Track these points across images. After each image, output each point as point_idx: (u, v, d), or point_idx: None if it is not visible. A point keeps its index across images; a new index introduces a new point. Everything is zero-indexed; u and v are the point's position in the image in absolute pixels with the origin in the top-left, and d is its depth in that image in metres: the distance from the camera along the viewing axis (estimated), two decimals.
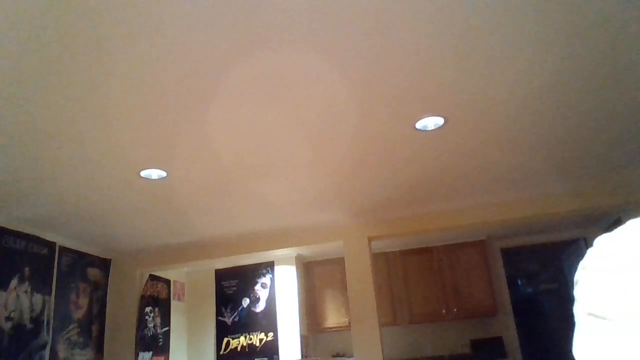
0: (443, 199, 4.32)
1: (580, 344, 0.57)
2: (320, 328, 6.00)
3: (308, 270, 6.21)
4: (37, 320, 3.99)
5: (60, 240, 4.39)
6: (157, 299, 5.50)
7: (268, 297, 5.85)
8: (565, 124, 3.00)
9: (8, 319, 3.70)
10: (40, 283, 4.07)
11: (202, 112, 2.49)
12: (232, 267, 6.03)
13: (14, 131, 2.51)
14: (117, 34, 1.86)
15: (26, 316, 3.88)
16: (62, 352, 4.25)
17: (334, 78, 2.30)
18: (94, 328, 4.74)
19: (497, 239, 6.18)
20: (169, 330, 5.65)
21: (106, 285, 5.03)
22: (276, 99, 2.44)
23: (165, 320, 5.62)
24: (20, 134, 2.54)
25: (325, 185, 3.74)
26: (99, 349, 4.79)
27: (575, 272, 0.61)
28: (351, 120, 2.73)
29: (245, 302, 5.92)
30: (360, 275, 4.69)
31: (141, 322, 5.08)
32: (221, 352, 5.84)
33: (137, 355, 4.91)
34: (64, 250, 4.44)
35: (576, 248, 6.35)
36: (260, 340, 5.73)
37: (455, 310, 5.76)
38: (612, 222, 5.44)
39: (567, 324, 6.58)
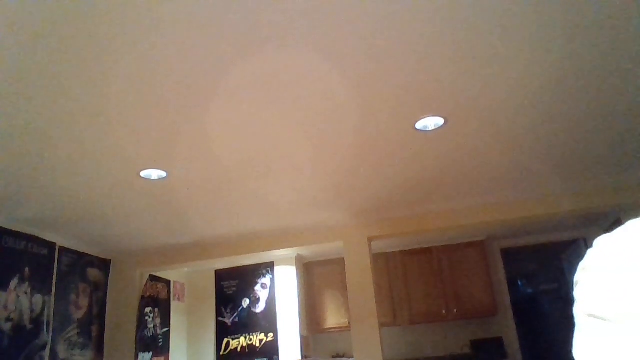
0: (443, 199, 4.32)
1: (580, 345, 0.57)
2: (320, 328, 6.00)
3: (308, 271, 6.21)
4: (37, 321, 3.98)
5: (60, 240, 4.39)
6: (157, 300, 5.50)
7: (268, 298, 5.85)
8: (565, 125, 3.00)
9: (8, 319, 3.70)
10: (40, 283, 4.07)
11: (202, 112, 2.49)
12: (232, 268, 6.03)
13: (14, 131, 2.51)
14: (117, 34, 1.86)
15: (26, 317, 3.88)
16: (62, 352, 4.25)
17: (334, 78, 2.30)
18: (94, 328, 4.74)
19: (497, 239, 6.18)
20: (169, 331, 5.64)
21: (106, 285, 5.03)
22: (276, 99, 2.44)
23: (165, 321, 5.62)
24: (20, 134, 2.54)
25: (325, 185, 3.74)
26: (99, 349, 4.78)
27: (575, 272, 0.61)
28: (351, 120, 2.73)
29: (245, 302, 5.92)
30: (360, 276, 4.69)
31: (141, 323, 5.08)
32: (221, 353, 5.83)
33: (137, 355, 4.91)
34: (64, 250, 4.44)
35: (576, 248, 6.35)
36: (260, 340, 5.73)
37: (455, 310, 5.75)
38: (612, 222, 5.44)
39: (567, 324, 6.58)
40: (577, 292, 0.59)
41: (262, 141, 2.89)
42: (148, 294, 5.30)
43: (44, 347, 4.03)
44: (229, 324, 5.91)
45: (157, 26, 1.84)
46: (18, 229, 3.91)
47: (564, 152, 3.44)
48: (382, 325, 5.29)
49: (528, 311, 8.09)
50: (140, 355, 4.99)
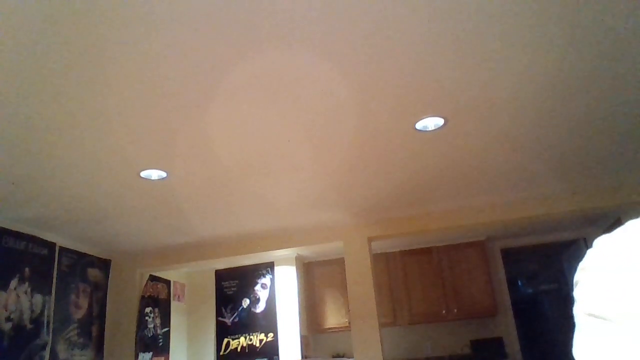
0: (443, 199, 4.32)
1: (580, 345, 0.57)
2: (321, 328, 6.00)
3: (308, 271, 6.21)
4: (37, 321, 3.98)
5: (60, 240, 4.39)
6: (157, 300, 5.50)
7: (268, 298, 5.85)
8: (565, 125, 3.00)
9: (8, 319, 3.70)
10: (40, 283, 4.07)
11: (202, 112, 2.49)
12: (232, 268, 6.03)
13: (14, 131, 2.51)
14: (117, 34, 1.86)
15: (26, 317, 3.88)
16: (62, 352, 4.25)
17: (334, 78, 2.30)
18: (94, 328, 4.74)
19: (497, 240, 6.17)
20: (169, 331, 5.64)
21: (106, 285, 5.03)
22: (276, 99, 2.44)
23: (165, 321, 5.62)
24: (20, 135, 2.54)
25: (325, 186, 3.74)
26: (99, 349, 4.79)
27: (575, 272, 0.61)
28: (351, 121, 2.73)
29: (245, 302, 5.92)
30: (360, 276, 4.69)
31: (141, 323, 5.08)
32: (221, 353, 5.83)
33: (137, 355, 4.91)
34: (64, 250, 4.44)
35: (576, 248, 6.35)
36: (260, 340, 5.73)
37: (455, 310, 5.75)
38: (612, 222, 5.44)
39: (567, 324, 6.58)
40: (577, 292, 0.59)
41: (262, 141, 2.89)
42: (148, 294, 5.30)
43: (44, 347, 4.03)
44: (229, 324, 5.91)
45: (157, 26, 1.84)
46: (18, 229, 3.91)
47: (564, 152, 3.44)
48: (382, 325, 5.29)
49: (528, 311, 8.10)
50: (140, 355, 4.99)
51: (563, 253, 6.88)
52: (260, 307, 5.85)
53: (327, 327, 5.97)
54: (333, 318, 5.96)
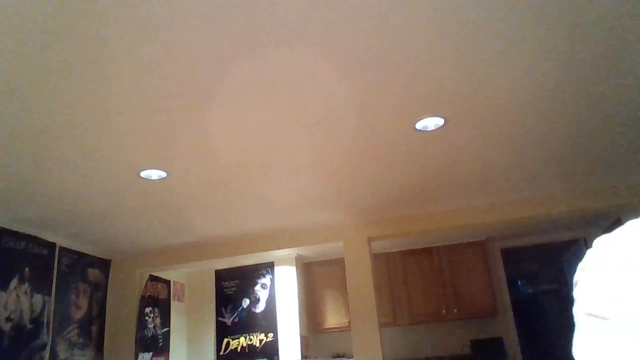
0: (443, 199, 4.32)
1: (580, 344, 0.57)
2: (320, 328, 6.00)
3: (308, 271, 6.21)
4: (37, 321, 3.98)
5: (60, 240, 4.39)
6: (157, 300, 5.50)
7: (268, 298, 5.85)
8: (565, 124, 3.00)
9: (8, 319, 3.70)
10: (40, 283, 4.07)
11: (202, 112, 2.49)
12: (232, 268, 6.03)
13: (14, 131, 2.51)
14: (117, 35, 1.86)
15: (26, 317, 3.88)
16: (62, 352, 4.25)
17: (334, 78, 2.30)
18: (93, 328, 4.74)
19: (497, 240, 6.17)
20: (169, 331, 5.64)
21: (106, 285, 5.03)
22: (276, 99, 2.44)
23: (165, 321, 5.62)
24: (20, 134, 2.54)
25: (325, 186, 3.74)
26: (99, 349, 4.79)
27: (575, 272, 0.61)
28: (351, 121, 2.73)
29: (245, 302, 5.92)
30: (360, 276, 4.69)
31: (141, 323, 5.08)
32: (221, 353, 5.83)
33: (137, 355, 4.91)
34: (64, 250, 4.44)
35: (576, 248, 6.35)
36: (260, 340, 5.73)
37: (455, 310, 5.75)
38: (612, 222, 5.44)
39: (567, 324, 6.58)
40: (577, 292, 0.59)
41: (262, 141, 2.89)
42: (148, 294, 5.30)
43: (44, 347, 4.03)
44: (229, 324, 5.91)
45: (157, 26, 1.84)
46: (18, 229, 3.91)
47: (564, 152, 3.44)
48: (382, 325, 5.29)
49: (528, 311, 8.10)
50: (140, 355, 4.99)
51: (563, 253, 6.88)
52: (260, 307, 5.85)
53: (327, 327, 5.97)
54: (333, 318, 5.96)
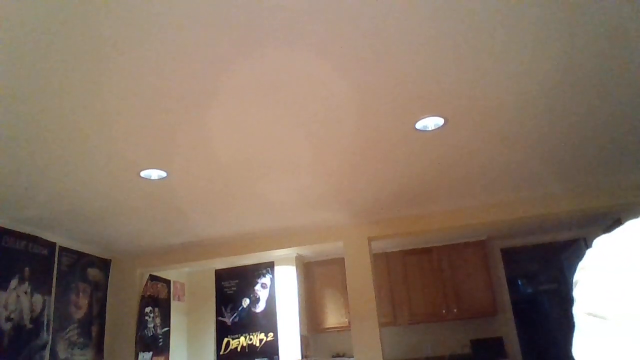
0: (443, 199, 4.32)
1: (580, 344, 0.57)
2: (320, 328, 6.00)
3: (308, 271, 6.21)
4: (37, 321, 3.99)
5: (60, 240, 4.39)
6: (157, 299, 5.50)
7: (268, 298, 5.85)
8: (566, 124, 3.00)
9: (8, 319, 3.70)
10: (40, 283, 4.07)
11: (202, 112, 2.49)
12: (232, 267, 6.03)
13: (14, 131, 2.51)
14: (118, 35, 1.86)
15: (26, 316, 3.88)
16: (62, 352, 4.25)
17: (334, 78, 2.30)
18: (93, 328, 4.74)
19: (497, 239, 6.18)
20: (169, 331, 5.65)
21: (106, 285, 5.03)
22: (276, 99, 2.44)
23: (165, 321, 5.62)
24: (20, 134, 2.54)
25: (325, 185, 3.74)
26: (99, 349, 4.79)
27: (574, 272, 0.61)
28: (351, 120, 2.73)
29: (245, 302, 5.93)
30: (360, 276, 4.69)
31: (141, 323, 5.08)
32: (221, 353, 5.84)
33: (137, 355, 4.91)
34: (64, 250, 4.44)
35: (576, 248, 6.36)
36: (260, 340, 5.73)
37: (455, 310, 5.76)
38: (612, 222, 5.44)
39: (567, 324, 6.59)
40: (577, 292, 0.59)
41: (262, 141, 2.89)
42: (148, 293, 5.31)
43: (44, 347, 4.03)
44: (229, 323, 5.91)
45: (157, 26, 1.84)
46: (18, 229, 3.91)
47: (564, 152, 3.44)
48: (382, 325, 5.29)
49: (528, 311, 8.10)
50: (140, 355, 4.99)
51: (563, 253, 6.88)
52: (260, 307, 5.85)
53: (327, 326, 5.97)
54: (333, 318, 5.96)
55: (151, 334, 5.27)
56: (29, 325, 3.90)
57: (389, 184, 3.82)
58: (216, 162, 3.13)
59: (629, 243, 0.56)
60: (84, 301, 4.64)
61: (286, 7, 1.80)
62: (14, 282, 3.80)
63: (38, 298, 4.03)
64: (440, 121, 2.82)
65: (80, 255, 4.65)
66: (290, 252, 5.45)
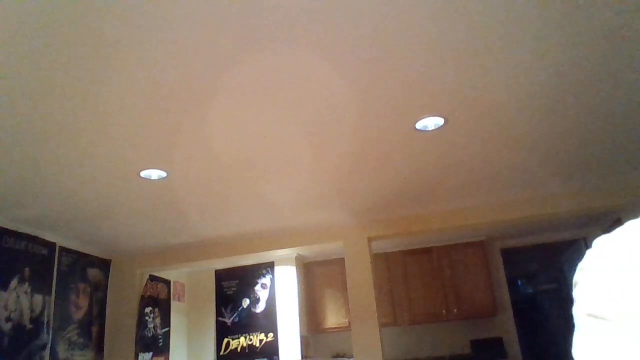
0: (443, 199, 4.32)
1: (580, 345, 0.57)
2: (320, 328, 6.00)
3: (308, 271, 6.21)
4: (37, 321, 3.99)
5: (60, 240, 4.39)
6: (157, 300, 5.50)
7: (268, 298, 5.85)
8: (565, 125, 3.00)
9: (8, 319, 3.70)
10: (40, 283, 4.07)
11: (202, 112, 2.49)
12: (232, 268, 6.03)
13: (14, 131, 2.51)
14: (117, 35, 1.86)
15: (26, 316, 3.88)
16: (62, 352, 4.25)
17: (334, 78, 2.30)
18: (93, 328, 4.74)
19: (497, 239, 6.18)
20: (169, 331, 5.65)
21: (106, 285, 5.03)
22: (276, 99, 2.44)
23: (165, 321, 5.62)
24: (20, 134, 2.54)
25: (325, 185, 3.74)
26: (99, 349, 4.79)
27: (574, 272, 0.61)
28: (351, 121, 2.73)
29: (245, 302, 5.92)
30: (360, 276, 4.69)
31: (141, 323, 5.08)
32: (221, 353, 5.84)
33: (137, 355, 4.91)
34: (64, 250, 4.44)
35: (576, 248, 6.35)
36: (260, 340, 5.73)
37: (455, 310, 5.75)
38: (612, 222, 5.44)
39: (567, 324, 6.59)
40: (577, 293, 0.59)
41: (262, 141, 2.89)
42: (148, 294, 5.30)
43: (44, 347, 4.03)
44: (229, 324, 5.91)
45: (158, 26, 1.84)
46: (18, 229, 3.91)
47: (564, 152, 3.44)
48: (382, 325, 5.29)
49: (528, 311, 8.10)
50: (140, 355, 4.99)
51: (563, 253, 6.88)
52: (260, 307, 5.85)
53: (327, 327, 5.97)
54: (333, 318, 5.96)
55: (151, 334, 5.27)
56: (29, 326, 3.90)
57: (389, 184, 3.82)
58: (216, 162, 3.13)
59: (629, 243, 0.55)
60: (84, 301, 4.64)
61: (286, 7, 1.80)
62: (14, 282, 3.80)
63: (38, 298, 4.03)
64: (440, 121, 2.82)
65: (80, 255, 4.65)
66: (290, 252, 5.45)
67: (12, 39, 1.84)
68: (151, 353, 5.21)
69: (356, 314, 4.60)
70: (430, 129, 2.90)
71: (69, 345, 4.35)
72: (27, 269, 3.95)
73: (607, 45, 2.21)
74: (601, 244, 0.59)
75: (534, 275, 8.27)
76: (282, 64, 2.15)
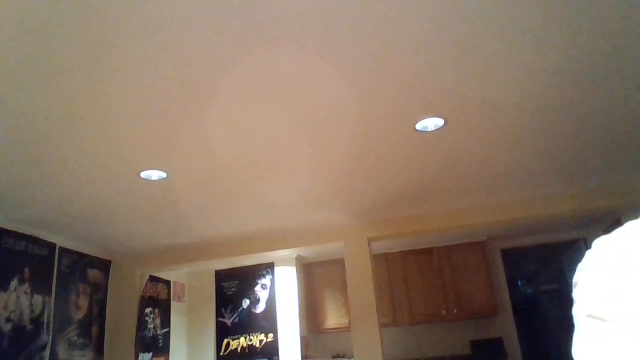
0: (443, 199, 4.32)
1: (580, 346, 0.57)
2: (320, 329, 6.00)
3: (308, 271, 6.21)
4: (37, 321, 3.98)
5: (60, 241, 4.39)
6: (157, 300, 5.50)
7: (268, 298, 5.85)
8: (565, 125, 3.00)
9: (8, 319, 3.70)
10: (40, 284, 4.07)
11: (202, 112, 2.49)
12: (232, 268, 6.03)
13: (14, 131, 2.51)
14: (117, 35, 1.86)
15: (26, 317, 3.88)
16: (62, 352, 4.25)
17: (334, 78, 2.30)
18: (93, 329, 4.74)
19: (497, 240, 6.17)
20: (169, 331, 5.64)
21: (106, 286, 5.03)
22: (276, 100, 2.44)
23: (165, 321, 5.62)
24: (20, 134, 2.54)
25: (325, 186, 3.74)
26: (99, 349, 4.78)
27: (574, 273, 0.61)
28: (351, 121, 2.73)
29: (245, 303, 5.92)
30: (360, 276, 4.69)
31: (141, 323, 5.08)
32: (221, 353, 5.83)
33: (137, 356, 4.91)
34: (64, 251, 4.44)
35: (576, 248, 6.35)
36: (260, 341, 5.73)
37: (455, 311, 5.75)
38: (612, 222, 5.44)
39: (567, 324, 6.57)
40: (576, 293, 0.59)
41: (262, 141, 2.89)
42: (148, 294, 5.30)
43: (44, 348, 4.03)
44: (229, 324, 5.91)
45: (158, 26, 1.84)
46: (18, 229, 3.91)
47: (564, 152, 3.44)
48: (382, 325, 5.29)
49: (528, 311, 8.10)
50: (140, 355, 4.99)
51: (563, 253, 6.88)
52: (260, 308, 5.85)
53: (327, 327, 5.97)
54: (333, 318, 5.96)
55: (151, 334, 5.27)
56: (29, 326, 3.90)
57: (389, 184, 3.82)
58: (216, 163, 3.13)
59: (629, 244, 0.55)
60: (84, 302, 4.64)
61: (286, 7, 1.80)
62: (14, 283, 3.80)
63: (38, 299, 4.03)
64: (440, 122, 2.82)
65: (80, 255, 4.65)
66: (290, 252, 5.45)
67: (12, 39, 1.84)
68: (151, 353, 5.21)
69: (356, 314, 4.60)
70: (430, 129, 2.90)
71: (68, 346, 4.35)
72: (27, 270, 3.95)
73: (607, 46, 2.21)
74: (601, 244, 0.59)
75: (534, 276, 8.27)
76: (282, 64, 2.15)
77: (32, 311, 3.95)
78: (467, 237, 5.87)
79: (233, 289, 6.02)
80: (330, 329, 5.96)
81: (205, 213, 4.08)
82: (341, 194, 3.94)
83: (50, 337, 4.13)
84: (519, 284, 8.46)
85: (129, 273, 5.12)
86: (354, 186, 3.79)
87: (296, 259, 5.90)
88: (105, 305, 4.96)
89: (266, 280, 5.91)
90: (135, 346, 4.90)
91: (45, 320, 4.09)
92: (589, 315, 0.56)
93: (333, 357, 6.03)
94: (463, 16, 1.93)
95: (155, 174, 3.20)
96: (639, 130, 3.17)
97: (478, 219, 4.60)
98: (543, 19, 1.98)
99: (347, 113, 2.64)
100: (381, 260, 6.05)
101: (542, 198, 4.50)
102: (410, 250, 6.06)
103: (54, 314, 4.20)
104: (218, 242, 5.01)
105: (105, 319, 4.92)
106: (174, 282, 5.93)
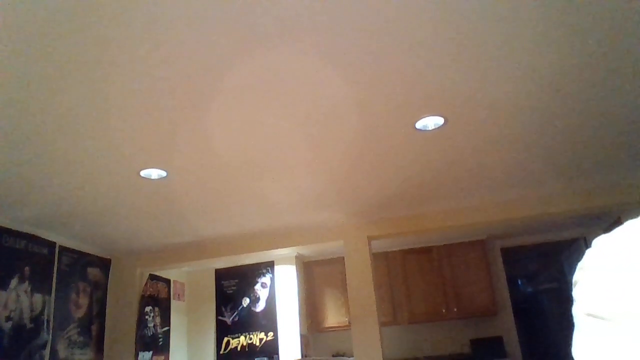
0: (443, 198, 4.32)
1: (580, 345, 0.57)
2: (320, 328, 6.00)
3: (308, 270, 6.21)
4: (37, 320, 3.99)
5: (61, 240, 4.39)
6: (157, 299, 5.51)
7: (268, 297, 5.85)
8: (566, 124, 3.00)
9: (8, 318, 3.70)
10: (40, 283, 4.08)
11: (202, 112, 2.49)
12: (232, 267, 6.04)
13: (14, 131, 2.51)
14: (117, 34, 1.86)
15: (26, 316, 3.88)
16: (62, 351, 4.25)
17: (333, 78, 2.30)
18: (93, 328, 4.75)
19: (498, 239, 6.18)
20: (169, 330, 5.65)
21: (106, 285, 5.03)
22: (276, 99, 2.44)
23: (165, 320, 5.62)
24: (20, 134, 2.54)
25: (325, 185, 3.74)
26: (99, 348, 4.79)
27: (574, 272, 0.61)
28: (351, 120, 2.73)
29: (245, 301, 5.93)
30: (360, 275, 4.69)
31: (141, 322, 5.08)
32: (221, 352, 5.84)
33: (137, 354, 4.91)
34: (64, 249, 4.44)
35: (576, 248, 6.36)
36: (260, 339, 5.73)
37: (455, 309, 5.76)
38: (612, 222, 5.44)
39: (567, 323, 6.59)
40: (576, 292, 0.59)
41: (262, 141, 2.89)
42: (148, 293, 5.31)
43: (44, 346, 4.04)
44: (229, 323, 5.92)
45: (157, 26, 1.84)
46: (18, 229, 3.91)
47: (564, 151, 3.44)
48: (382, 324, 5.29)
49: (528, 310, 8.10)
50: (140, 354, 5.00)
51: (563, 252, 6.88)
52: (260, 306, 5.85)
53: (327, 326, 5.97)
54: (333, 317, 5.97)
55: (151, 333, 5.28)
56: (29, 325, 3.90)
57: (389, 184, 3.82)
58: (216, 162, 3.13)
59: (629, 243, 0.56)
60: (84, 300, 4.64)
61: (286, 7, 1.80)
62: (14, 282, 3.80)
63: (38, 297, 4.03)
64: (440, 121, 2.82)
65: (80, 254, 4.65)
66: (290, 251, 5.45)
67: (11, 39, 1.84)
68: (151, 352, 5.22)
69: (356, 313, 4.60)
70: (430, 128, 2.90)
71: (69, 344, 4.35)
72: (27, 268, 3.95)
73: (607, 46, 2.21)
74: (601, 243, 0.59)
75: (534, 275, 8.27)
76: (282, 64, 2.15)
77: (32, 310, 3.95)
78: (467, 235, 5.87)
79: (233, 288, 6.02)
80: (330, 327, 5.96)
81: (206, 212, 4.08)
82: (341, 193, 3.94)
83: (51, 335, 4.13)
84: (519, 282, 8.47)
85: (129, 272, 5.13)
86: (353, 185, 3.80)
87: (296, 257, 5.91)
88: (105, 304, 4.97)
89: (266, 279, 5.91)
90: (135, 345, 4.90)
91: (46, 319, 4.09)
92: (589, 314, 0.56)
93: (333, 356, 6.04)
94: (463, 16, 1.93)
95: (155, 173, 3.20)
96: (639, 130, 3.17)
97: (478, 218, 4.60)
98: (543, 19, 1.98)
99: (347, 113, 2.64)
100: (381, 259, 6.05)
101: (542, 197, 4.50)
102: (410, 249, 6.06)
103: (54, 313, 4.20)
104: (218, 240, 5.01)
105: (105, 317, 4.92)
106: (174, 281, 5.93)
